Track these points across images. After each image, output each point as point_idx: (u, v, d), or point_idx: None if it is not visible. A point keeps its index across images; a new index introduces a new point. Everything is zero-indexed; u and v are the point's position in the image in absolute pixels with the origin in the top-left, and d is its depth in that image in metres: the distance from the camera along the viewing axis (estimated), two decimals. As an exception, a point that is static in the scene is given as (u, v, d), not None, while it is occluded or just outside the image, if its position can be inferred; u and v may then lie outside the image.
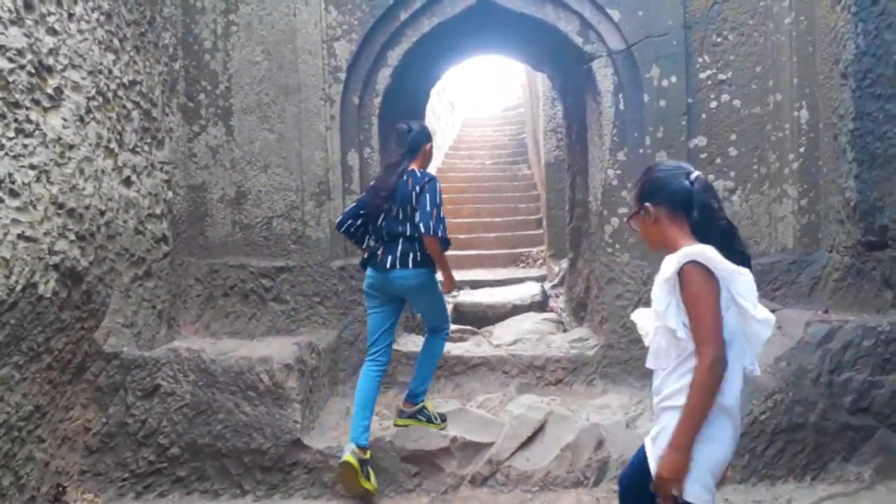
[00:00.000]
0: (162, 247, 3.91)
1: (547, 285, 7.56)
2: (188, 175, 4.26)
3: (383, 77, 4.26)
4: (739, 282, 1.60)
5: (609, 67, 4.08)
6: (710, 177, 3.94)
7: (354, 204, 3.57)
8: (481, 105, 17.81)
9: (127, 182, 3.58)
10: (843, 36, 3.43)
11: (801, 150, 3.82)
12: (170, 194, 4.07)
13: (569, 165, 5.64)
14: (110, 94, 3.40)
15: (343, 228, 3.51)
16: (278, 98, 4.20)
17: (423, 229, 3.26)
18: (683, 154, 3.92)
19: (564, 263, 6.66)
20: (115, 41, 3.47)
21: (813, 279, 3.78)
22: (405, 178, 3.36)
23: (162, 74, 3.99)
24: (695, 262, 1.59)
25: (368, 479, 3.12)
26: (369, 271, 3.41)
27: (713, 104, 3.95)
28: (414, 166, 3.43)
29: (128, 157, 3.59)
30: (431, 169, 11.60)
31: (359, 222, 3.48)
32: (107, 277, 3.31)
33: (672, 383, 1.67)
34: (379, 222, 3.39)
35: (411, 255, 3.31)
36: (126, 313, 3.50)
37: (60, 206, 2.95)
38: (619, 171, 4.09)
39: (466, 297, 6.94)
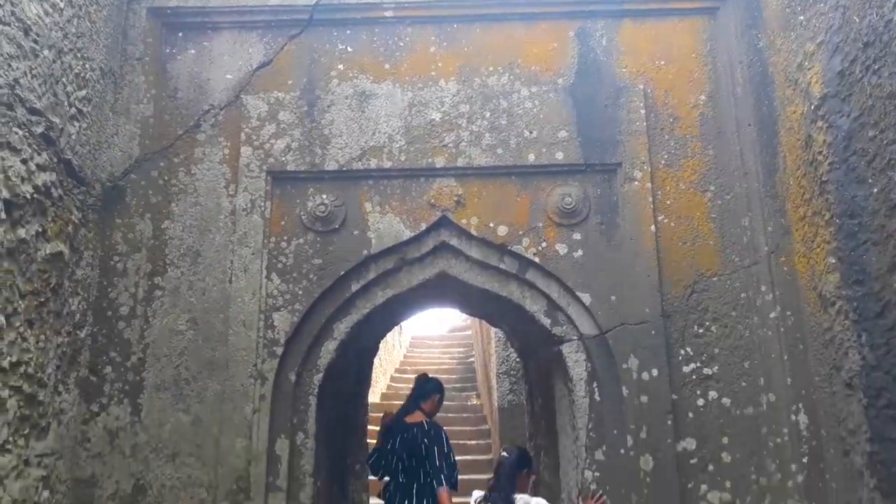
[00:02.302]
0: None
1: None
2: (75, 466, 3.44)
3: (327, 351, 3.72)
4: None
5: (581, 353, 3.65)
6: (703, 486, 3.39)
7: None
8: (427, 325, 17.62)
9: (-18, 494, 2.77)
10: (842, 342, 3.10)
11: (805, 460, 3.33)
12: (45, 495, 3.21)
13: (530, 435, 5.06)
14: (-22, 388, 2.72)
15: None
16: (200, 374, 3.57)
17: (435, 484, 3.84)
18: (671, 459, 3.38)
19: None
20: (1, 318, 2.87)
21: None
22: (414, 430, 4.06)
23: (61, 346, 3.35)
24: None
25: None
26: None
27: (700, 401, 3.50)
28: (421, 415, 4.21)
29: (-10, 462, 2.81)
30: (375, 394, 10.90)
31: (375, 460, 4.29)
32: None
33: None
34: (393, 465, 4.08)
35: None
36: None
37: None
38: (597, 474, 3.49)
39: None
